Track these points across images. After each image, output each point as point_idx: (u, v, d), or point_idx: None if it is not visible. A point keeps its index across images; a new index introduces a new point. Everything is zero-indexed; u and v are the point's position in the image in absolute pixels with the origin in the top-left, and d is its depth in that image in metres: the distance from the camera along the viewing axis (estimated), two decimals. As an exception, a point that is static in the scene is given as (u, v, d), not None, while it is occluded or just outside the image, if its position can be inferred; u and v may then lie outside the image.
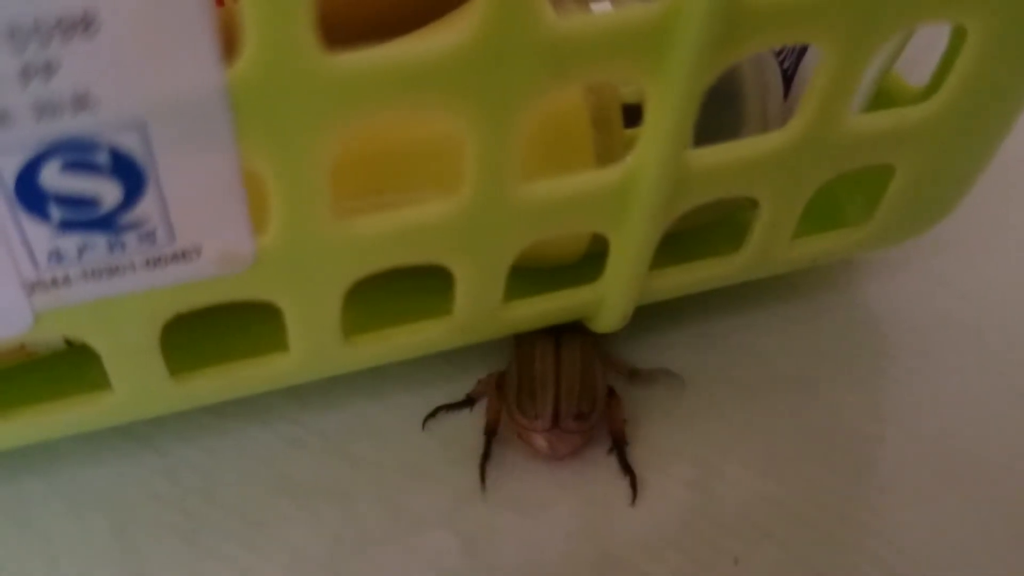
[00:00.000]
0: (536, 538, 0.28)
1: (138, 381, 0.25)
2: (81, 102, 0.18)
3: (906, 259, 0.37)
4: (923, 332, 0.34)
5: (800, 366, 0.33)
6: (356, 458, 0.30)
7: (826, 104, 0.25)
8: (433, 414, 0.30)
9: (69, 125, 0.19)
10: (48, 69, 0.18)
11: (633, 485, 0.29)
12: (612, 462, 0.30)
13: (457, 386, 0.31)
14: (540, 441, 0.29)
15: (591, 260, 0.29)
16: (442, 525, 0.28)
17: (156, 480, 0.29)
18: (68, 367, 0.28)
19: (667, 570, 0.28)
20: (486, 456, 0.29)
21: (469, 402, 0.31)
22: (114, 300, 0.23)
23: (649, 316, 0.31)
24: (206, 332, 0.28)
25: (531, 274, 0.29)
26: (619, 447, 0.29)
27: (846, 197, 0.33)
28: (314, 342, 0.26)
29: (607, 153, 0.27)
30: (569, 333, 0.30)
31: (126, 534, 0.28)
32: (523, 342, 0.31)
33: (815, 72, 0.25)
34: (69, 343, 0.28)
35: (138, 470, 0.29)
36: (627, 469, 0.29)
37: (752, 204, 0.29)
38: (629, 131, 0.28)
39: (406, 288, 0.29)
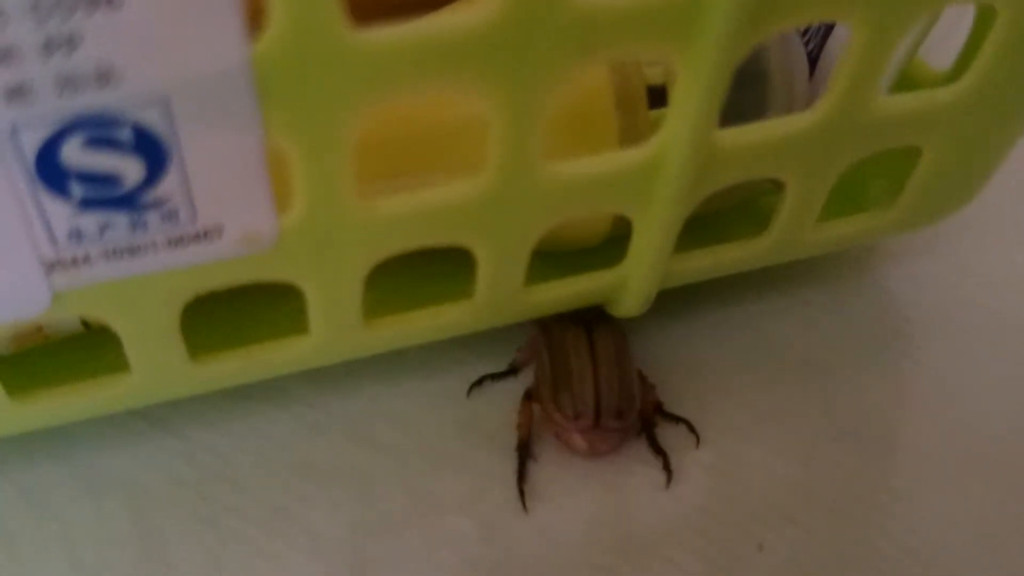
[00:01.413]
0: (557, 524, 0.28)
1: (158, 363, 0.25)
2: (104, 77, 0.18)
3: (928, 244, 0.36)
4: (946, 317, 0.34)
5: (822, 351, 0.33)
6: (374, 442, 0.30)
7: (855, 85, 0.25)
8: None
9: (91, 100, 0.18)
10: (71, 42, 0.17)
11: (667, 466, 0.28)
12: (633, 448, 0.29)
13: (473, 371, 0.31)
14: (580, 441, 0.28)
15: (612, 243, 0.29)
16: (462, 510, 0.28)
17: (175, 464, 0.29)
18: (86, 350, 0.27)
19: (692, 556, 0.27)
20: (521, 476, 0.28)
21: (513, 371, 0.30)
22: (134, 280, 0.22)
23: (671, 301, 0.31)
24: (224, 314, 0.28)
25: (551, 257, 0.29)
26: (649, 429, 0.29)
27: (870, 180, 0.33)
28: (335, 324, 0.26)
29: (631, 134, 0.27)
30: (600, 324, 0.30)
31: (145, 518, 0.28)
32: (552, 333, 0.30)
33: (845, 51, 0.24)
34: (86, 325, 0.28)
35: (156, 454, 0.29)
36: (659, 450, 0.29)
37: (774, 187, 0.29)
38: (653, 112, 0.27)
39: (425, 271, 0.28)
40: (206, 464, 0.29)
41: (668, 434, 0.30)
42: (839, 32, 0.31)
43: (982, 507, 0.29)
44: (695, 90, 0.22)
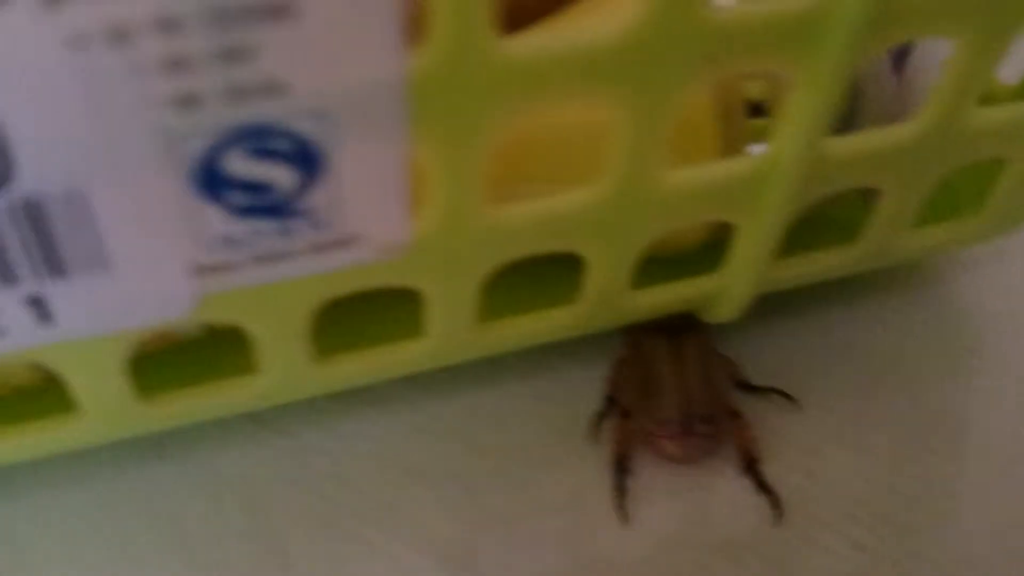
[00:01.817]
0: (657, 523, 0.29)
1: (286, 365, 0.26)
2: (273, 88, 0.19)
3: (998, 253, 0.37)
4: (1018, 324, 0.35)
5: (905, 357, 0.33)
6: (476, 444, 0.30)
7: (955, 98, 0.26)
8: (596, 426, 0.30)
9: (258, 111, 0.19)
10: (247, 54, 0.18)
11: (775, 504, 0.29)
12: (723, 451, 0.30)
13: (565, 375, 0.32)
14: (670, 447, 0.29)
15: (701, 251, 0.30)
16: (566, 509, 0.29)
17: (287, 464, 0.30)
18: (208, 353, 0.28)
19: (789, 553, 0.28)
20: (619, 491, 0.29)
21: (612, 401, 0.30)
22: (273, 286, 0.23)
23: (752, 310, 0.32)
24: (332, 319, 0.29)
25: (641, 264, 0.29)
26: (752, 467, 0.29)
27: (953, 191, 0.34)
28: (451, 327, 0.27)
29: (731, 145, 0.28)
30: (686, 333, 0.30)
31: (262, 517, 0.28)
32: (639, 343, 0.31)
33: (947, 66, 0.25)
34: (209, 329, 0.29)
35: (268, 455, 0.30)
36: (765, 488, 0.29)
37: (859, 197, 0.29)
38: (752, 122, 0.28)
39: (527, 278, 0.29)
40: (317, 465, 0.30)
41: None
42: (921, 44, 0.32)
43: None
44: (811, 99, 0.23)
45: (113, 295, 0.22)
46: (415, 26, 0.20)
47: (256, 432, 0.30)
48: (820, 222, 0.32)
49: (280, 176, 0.21)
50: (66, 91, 0.18)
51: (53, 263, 0.21)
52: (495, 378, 0.32)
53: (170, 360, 0.28)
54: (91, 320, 0.22)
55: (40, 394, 0.27)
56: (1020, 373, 0.33)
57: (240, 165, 0.20)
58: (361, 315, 0.29)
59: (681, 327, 0.31)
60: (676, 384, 0.29)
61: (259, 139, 0.20)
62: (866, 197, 0.34)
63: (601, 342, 0.32)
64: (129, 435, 0.27)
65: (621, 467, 0.29)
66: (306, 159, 0.21)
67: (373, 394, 0.31)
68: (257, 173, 0.21)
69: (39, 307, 0.22)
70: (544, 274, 0.30)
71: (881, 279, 0.36)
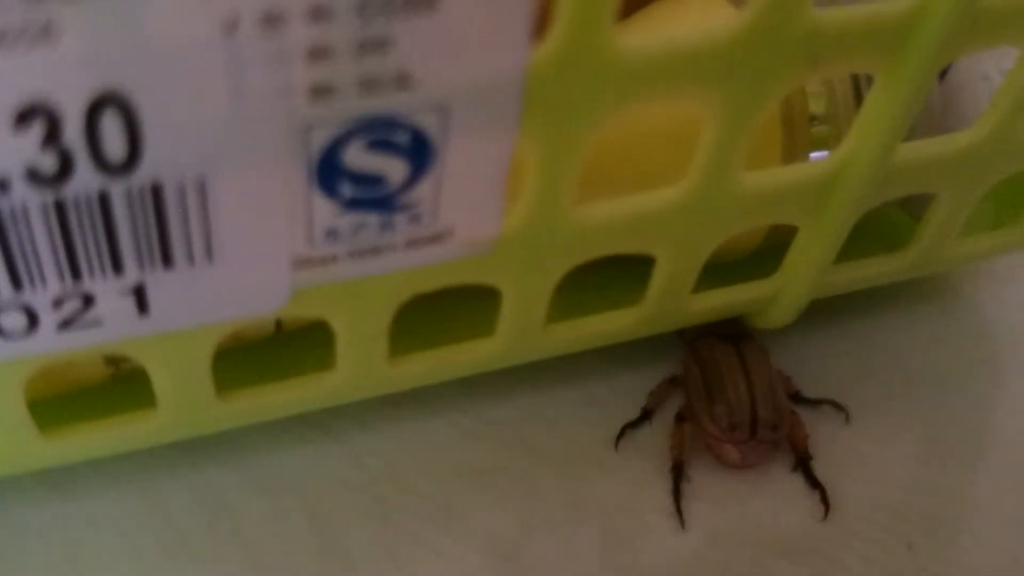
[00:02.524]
0: (715, 525, 0.29)
1: (362, 361, 0.26)
2: (402, 81, 0.19)
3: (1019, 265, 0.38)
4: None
5: (941, 365, 0.34)
6: (529, 447, 0.31)
7: (1016, 107, 0.26)
8: (621, 434, 0.30)
9: (386, 103, 0.19)
10: (384, 45, 0.18)
11: (824, 500, 0.29)
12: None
13: (615, 380, 0.32)
14: (734, 453, 0.29)
15: (751, 259, 0.31)
16: (622, 512, 0.29)
17: (342, 466, 0.29)
18: (272, 354, 0.28)
19: (848, 553, 0.29)
20: (677, 495, 0.29)
21: (647, 415, 0.31)
22: (361, 281, 0.23)
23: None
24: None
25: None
26: (804, 464, 0.30)
27: (989, 201, 0.35)
28: (523, 327, 0.27)
29: (793, 152, 0.29)
30: (746, 340, 0.31)
31: (322, 519, 0.28)
32: (699, 350, 0.31)
33: (1010, 75, 0.26)
34: (278, 329, 0.28)
35: (323, 457, 0.30)
36: (815, 484, 0.30)
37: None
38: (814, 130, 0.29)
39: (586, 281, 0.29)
40: (372, 467, 0.30)
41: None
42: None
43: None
44: (893, 101, 0.24)
45: (213, 287, 0.22)
46: (538, 20, 0.20)
47: (311, 436, 0.30)
48: (859, 230, 0.33)
49: (392, 169, 0.21)
50: (209, 75, 0.18)
51: (163, 253, 0.20)
52: (546, 383, 0.32)
53: (237, 359, 0.28)
54: (187, 312, 0.22)
55: (107, 392, 0.26)
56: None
57: (357, 157, 0.20)
58: (426, 315, 0.29)
59: (738, 335, 0.31)
60: (743, 391, 0.29)
61: (381, 131, 0.20)
62: (904, 205, 0.34)
63: (654, 348, 0.32)
64: (203, 433, 0.26)
65: (678, 472, 0.29)
66: (419, 152, 0.21)
67: (423, 398, 0.31)
68: (371, 165, 0.21)
69: (139, 297, 0.21)
70: (600, 278, 0.30)
71: (904, 289, 0.37)
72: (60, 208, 0.19)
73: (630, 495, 0.30)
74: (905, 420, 0.32)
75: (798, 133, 0.29)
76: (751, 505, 0.30)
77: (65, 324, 0.21)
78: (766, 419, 0.29)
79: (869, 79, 0.29)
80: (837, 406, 0.31)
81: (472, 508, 0.29)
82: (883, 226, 0.33)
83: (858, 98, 0.29)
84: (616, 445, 0.30)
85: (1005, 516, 0.30)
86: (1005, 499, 0.30)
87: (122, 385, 0.26)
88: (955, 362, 0.34)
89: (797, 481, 0.30)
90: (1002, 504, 0.30)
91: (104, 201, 0.19)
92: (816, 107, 0.29)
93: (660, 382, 0.31)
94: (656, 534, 0.29)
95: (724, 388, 0.30)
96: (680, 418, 0.30)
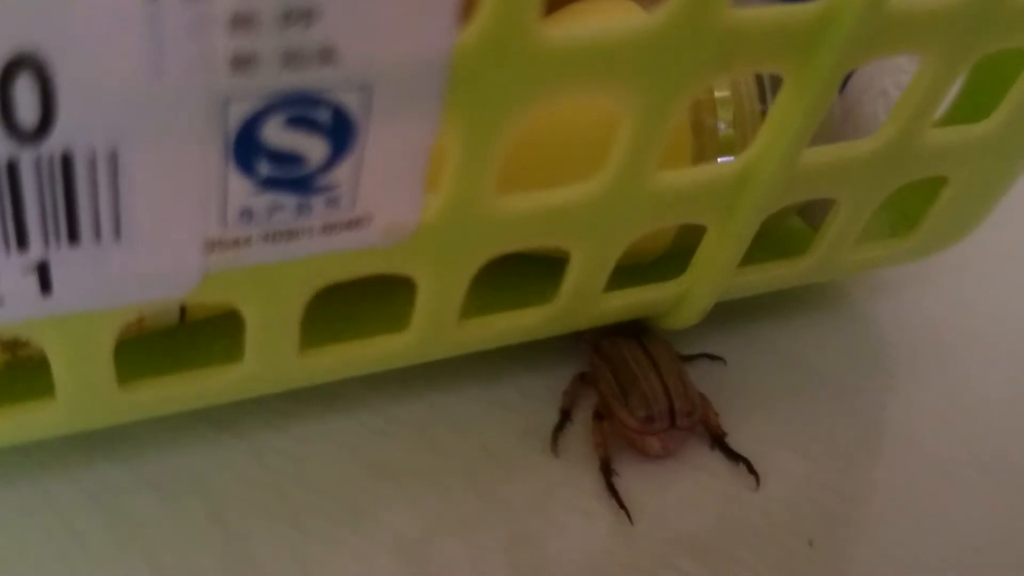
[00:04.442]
0: (625, 525, 0.29)
1: (272, 353, 0.25)
2: (326, 56, 0.19)
3: (924, 273, 0.39)
4: (944, 341, 0.37)
5: (838, 370, 0.35)
6: (439, 447, 0.30)
7: (917, 115, 0.27)
8: (554, 440, 0.30)
9: (308, 78, 0.19)
10: (309, 15, 0.18)
11: (751, 469, 0.30)
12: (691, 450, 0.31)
13: (523, 382, 0.32)
14: (655, 443, 0.30)
15: (659, 262, 0.31)
16: (533, 511, 0.29)
17: (246, 465, 0.29)
18: (175, 344, 0.27)
19: (750, 553, 0.29)
20: (614, 492, 0.29)
21: (567, 415, 0.31)
22: (277, 266, 0.23)
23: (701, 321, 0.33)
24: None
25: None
26: (720, 441, 0.31)
27: (888, 213, 0.36)
28: (436, 321, 0.27)
29: (702, 157, 0.29)
30: (648, 335, 0.32)
31: (225, 519, 0.27)
32: (605, 349, 0.31)
33: (911, 84, 0.27)
34: (182, 319, 0.28)
35: (225, 456, 0.29)
36: (737, 456, 0.30)
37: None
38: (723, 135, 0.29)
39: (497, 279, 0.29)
40: (277, 466, 0.29)
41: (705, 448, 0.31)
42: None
43: (986, 514, 0.31)
44: (801, 103, 0.25)
45: (120, 267, 0.21)
46: (465, 3, 0.20)
47: (208, 431, 0.29)
48: (761, 239, 0.34)
49: (312, 148, 0.21)
50: (128, 42, 0.17)
51: (69, 228, 0.20)
52: (455, 383, 0.32)
53: (138, 349, 0.27)
54: (91, 293, 0.21)
55: (2, 379, 0.25)
56: (950, 389, 0.35)
57: (276, 134, 0.20)
58: (336, 308, 0.29)
59: (640, 330, 0.32)
60: (655, 382, 0.30)
61: (302, 107, 0.20)
62: (803, 215, 0.35)
63: (558, 350, 0.32)
64: (103, 426, 0.25)
65: (607, 468, 0.30)
66: (340, 131, 0.20)
67: (329, 397, 0.31)
68: (291, 143, 0.20)
69: (42, 276, 0.21)
70: (514, 278, 0.30)
71: (803, 297, 0.38)
72: (-36, 175, 0.18)
73: (541, 495, 0.30)
74: (803, 421, 0.33)
75: (707, 139, 0.29)
76: (661, 502, 0.30)
77: (-38, 302, 0.20)
78: (682, 407, 0.30)
79: (775, 88, 0.30)
80: (712, 357, 0.33)
81: (381, 508, 0.28)
82: (784, 235, 0.34)
83: (764, 106, 0.30)
84: (553, 450, 0.30)
85: (902, 512, 0.31)
86: (900, 496, 0.31)
87: (18, 372, 0.25)
88: (851, 366, 0.35)
89: (702, 479, 0.30)
90: (898, 501, 0.31)
91: (12, 170, 0.18)
92: (724, 114, 0.29)
93: (571, 381, 0.31)
94: (566, 533, 0.29)
95: (637, 383, 0.30)
96: (598, 416, 0.30)
